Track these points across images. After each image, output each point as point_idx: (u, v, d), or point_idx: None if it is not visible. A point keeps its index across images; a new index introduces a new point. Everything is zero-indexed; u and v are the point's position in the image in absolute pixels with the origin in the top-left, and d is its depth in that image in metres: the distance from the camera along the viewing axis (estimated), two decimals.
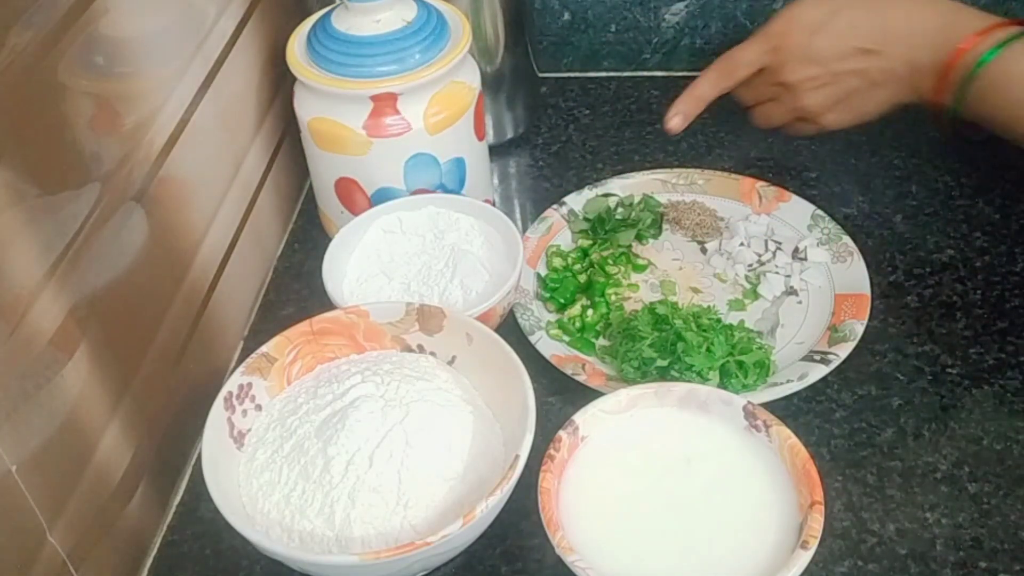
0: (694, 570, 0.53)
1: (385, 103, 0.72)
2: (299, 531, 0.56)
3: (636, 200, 0.82)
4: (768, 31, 0.78)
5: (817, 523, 0.52)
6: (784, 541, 0.53)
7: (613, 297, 0.75)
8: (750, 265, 0.77)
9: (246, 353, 0.67)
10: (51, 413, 0.53)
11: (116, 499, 0.60)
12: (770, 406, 0.61)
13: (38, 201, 0.52)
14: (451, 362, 0.65)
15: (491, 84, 0.86)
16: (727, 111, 0.93)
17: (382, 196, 0.76)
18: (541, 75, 0.94)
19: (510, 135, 0.91)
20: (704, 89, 0.81)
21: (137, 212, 0.61)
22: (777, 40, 0.77)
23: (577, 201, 0.82)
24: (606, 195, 0.83)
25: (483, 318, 0.66)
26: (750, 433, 0.58)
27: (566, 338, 0.72)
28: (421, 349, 0.66)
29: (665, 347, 0.67)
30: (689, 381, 0.64)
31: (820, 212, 0.79)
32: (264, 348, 0.64)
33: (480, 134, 0.78)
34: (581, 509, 0.56)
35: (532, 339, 0.71)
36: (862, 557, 0.59)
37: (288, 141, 0.85)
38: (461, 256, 0.71)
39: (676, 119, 0.81)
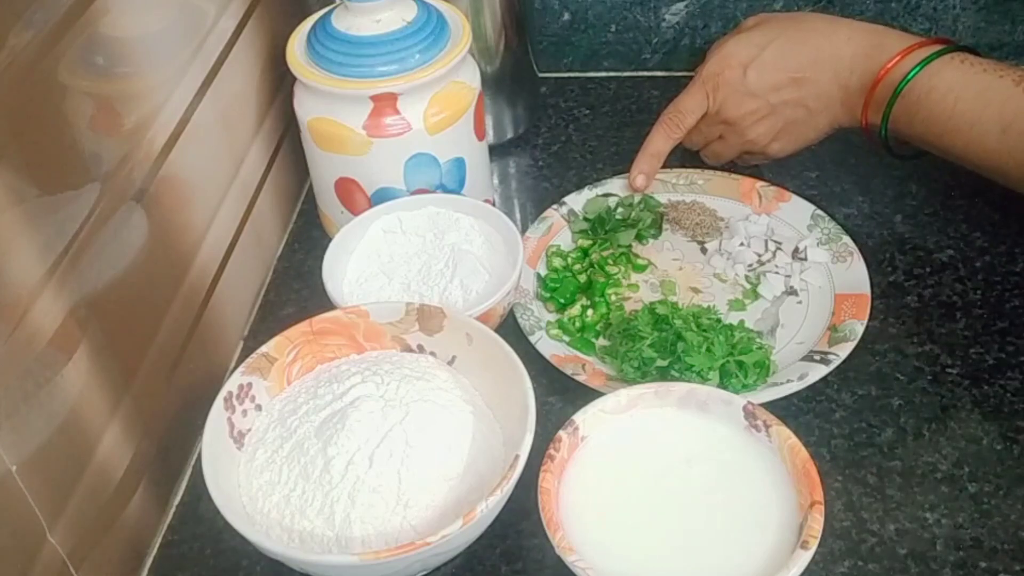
0: (694, 570, 0.53)
1: (385, 103, 0.72)
2: (299, 531, 0.56)
3: (636, 200, 0.82)
4: (704, 75, 0.80)
5: (817, 523, 0.52)
6: (784, 541, 0.53)
7: (613, 297, 0.75)
8: (750, 265, 0.77)
9: (246, 353, 0.67)
10: (51, 413, 0.53)
11: (116, 499, 0.60)
12: (770, 406, 0.61)
13: (38, 201, 0.52)
14: (451, 362, 0.65)
15: (491, 84, 0.86)
16: None
17: (382, 196, 0.76)
18: (541, 75, 0.94)
19: (510, 135, 0.91)
20: (657, 145, 0.82)
21: (137, 212, 0.61)
22: (713, 81, 0.80)
23: (577, 201, 0.82)
24: (606, 195, 0.83)
25: (483, 318, 0.66)
26: (750, 433, 0.58)
27: (566, 338, 0.72)
28: (421, 349, 0.66)
29: (665, 347, 0.67)
30: (689, 381, 0.64)
31: (820, 212, 0.79)
32: (264, 348, 0.64)
33: (480, 134, 0.78)
34: (581, 509, 0.56)
35: (532, 339, 0.71)
36: (862, 557, 0.59)
37: (288, 141, 0.85)
38: (461, 256, 0.71)
39: (639, 179, 0.82)
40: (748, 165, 0.85)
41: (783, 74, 0.78)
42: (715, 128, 0.82)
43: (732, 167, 0.85)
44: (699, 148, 0.85)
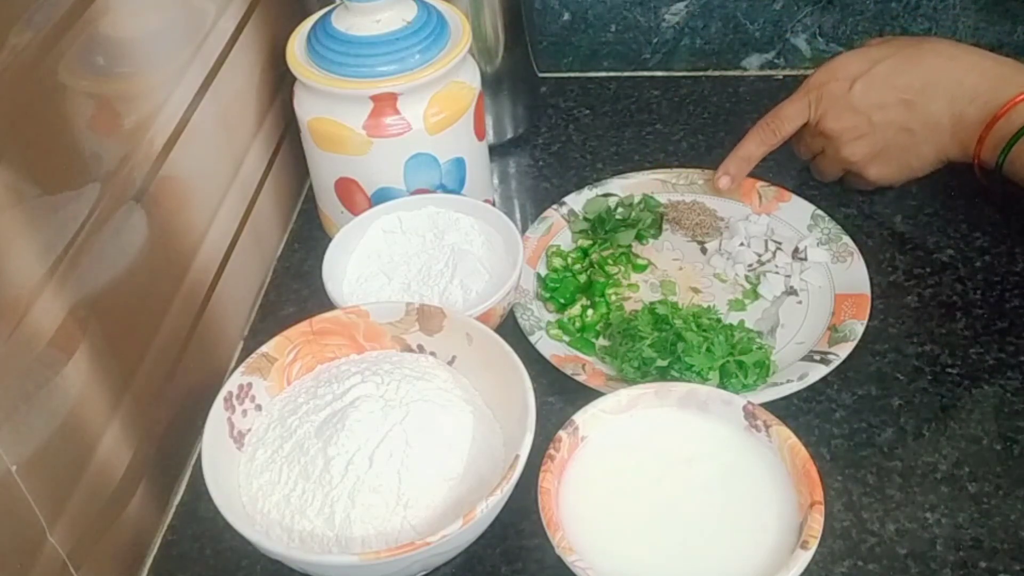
0: (694, 570, 0.53)
1: (385, 103, 0.72)
2: (299, 531, 0.56)
3: (636, 200, 0.82)
4: (809, 84, 0.77)
5: (817, 523, 0.52)
6: (784, 541, 0.53)
7: (613, 297, 0.75)
8: (750, 265, 0.77)
9: (246, 353, 0.67)
10: (51, 413, 0.53)
11: (116, 499, 0.60)
12: (770, 406, 0.61)
13: (38, 201, 0.52)
14: (451, 362, 0.65)
15: (491, 84, 0.86)
16: (726, 111, 0.93)
17: (382, 196, 0.76)
18: (541, 75, 0.94)
19: (510, 135, 0.91)
20: (750, 149, 0.79)
21: (137, 212, 0.61)
22: (818, 91, 0.76)
23: (577, 201, 0.82)
24: (606, 195, 0.83)
25: (483, 318, 0.66)
26: (750, 433, 0.58)
27: (566, 338, 0.72)
28: (421, 349, 0.66)
29: (665, 347, 0.67)
30: (689, 381, 0.64)
31: (820, 212, 0.79)
32: (264, 348, 0.64)
33: (480, 134, 0.78)
34: (581, 509, 0.56)
35: (532, 339, 0.71)
36: (862, 557, 0.59)
37: (288, 141, 0.85)
38: (461, 256, 0.71)
39: (724, 179, 0.80)
40: (853, 188, 0.81)
41: (891, 93, 0.74)
42: (816, 141, 0.79)
43: None
44: (804, 159, 0.83)
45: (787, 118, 0.78)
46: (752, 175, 0.83)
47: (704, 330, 0.67)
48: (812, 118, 0.77)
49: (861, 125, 0.75)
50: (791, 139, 0.80)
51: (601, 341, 0.73)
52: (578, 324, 0.73)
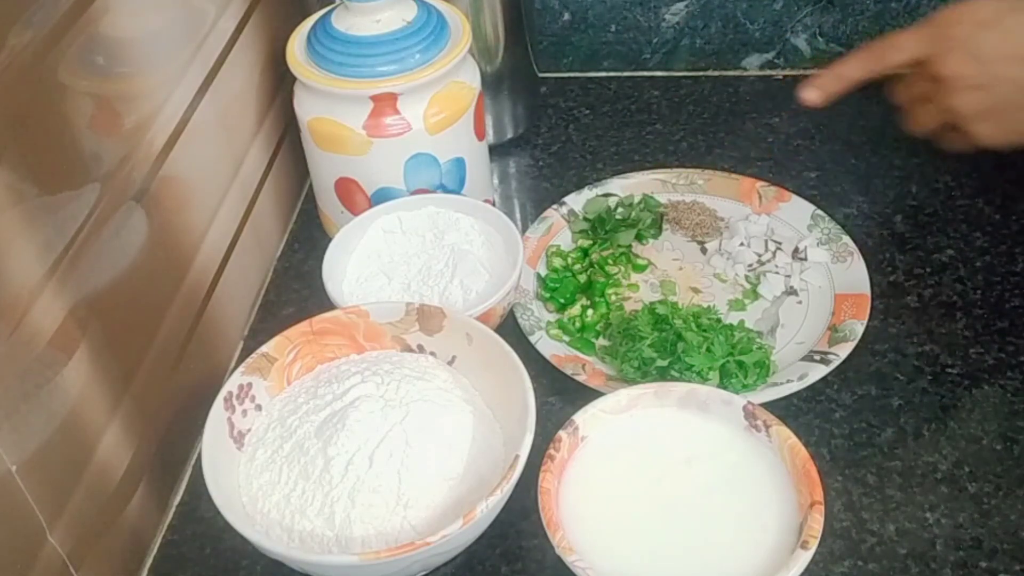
0: (694, 570, 0.53)
1: (385, 103, 0.72)
2: (299, 531, 0.56)
3: (636, 200, 0.82)
4: (933, 19, 0.71)
5: (817, 523, 0.52)
6: (784, 541, 0.53)
7: (613, 297, 0.75)
8: (750, 265, 0.77)
9: (246, 353, 0.67)
10: (51, 413, 0.53)
11: (116, 499, 0.60)
12: (770, 406, 0.61)
13: (38, 201, 0.52)
14: (451, 362, 0.65)
15: (491, 84, 0.86)
16: (726, 111, 0.93)
17: (382, 196, 0.76)
18: (541, 75, 0.94)
19: (510, 135, 0.91)
20: (850, 69, 0.74)
21: (137, 212, 0.61)
22: (940, 29, 0.70)
23: (577, 201, 0.82)
24: (606, 195, 0.83)
25: (483, 318, 0.66)
26: (750, 433, 0.58)
27: (566, 338, 0.72)
28: (421, 349, 0.66)
29: (665, 347, 0.67)
30: (689, 381, 0.64)
31: (820, 212, 0.79)
32: (264, 348, 0.64)
33: (480, 134, 0.78)
34: (581, 509, 0.56)
35: (532, 339, 0.71)
36: (862, 557, 0.59)
37: (288, 141, 0.85)
38: (461, 256, 0.71)
39: (812, 92, 0.75)
40: (948, 148, 0.75)
41: (1015, 47, 0.68)
42: (922, 84, 0.72)
43: (732, 166, 0.85)
44: (901, 102, 0.75)
45: (899, 47, 0.72)
46: (752, 175, 0.83)
47: (704, 330, 0.67)
48: (927, 54, 0.71)
49: (978, 75, 0.69)
50: (889, 78, 0.74)
51: (601, 341, 0.73)
52: (578, 324, 0.73)
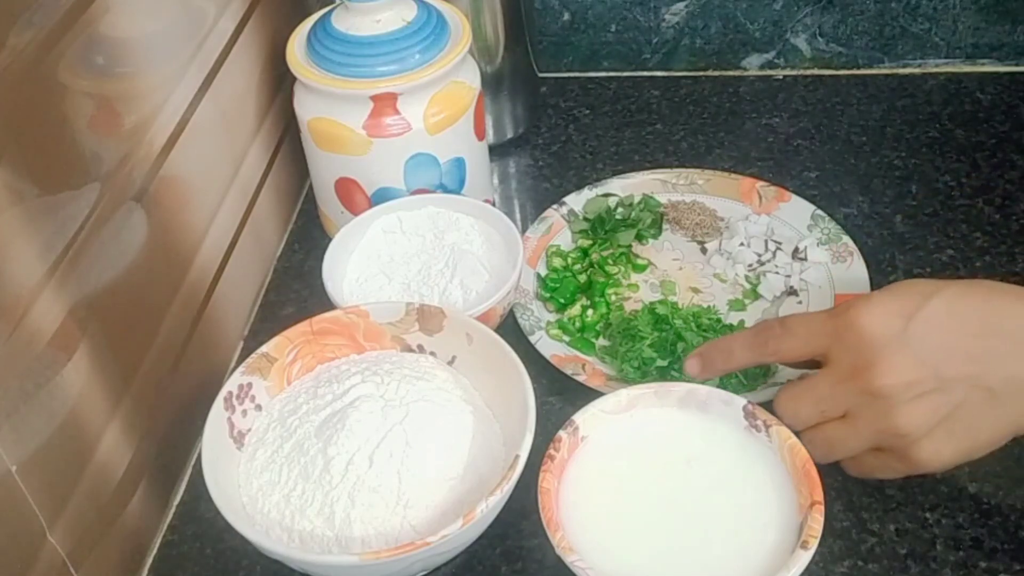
0: (694, 570, 0.53)
1: (385, 103, 0.72)
2: (299, 531, 0.56)
3: (636, 200, 0.82)
4: (838, 311, 0.57)
5: (817, 523, 0.52)
6: (784, 541, 0.53)
7: (613, 297, 0.75)
8: (750, 265, 0.77)
9: (246, 353, 0.67)
10: (51, 413, 0.53)
11: (116, 499, 0.60)
12: (770, 406, 0.61)
13: (38, 201, 0.51)
14: (451, 362, 0.65)
15: (491, 84, 0.86)
16: (726, 111, 0.93)
17: (382, 196, 0.76)
18: (541, 75, 0.94)
19: (510, 135, 0.91)
20: (732, 348, 0.61)
21: (137, 212, 0.61)
22: (855, 327, 0.55)
23: (577, 201, 0.82)
24: (606, 195, 0.83)
25: (483, 318, 0.66)
26: (750, 433, 0.58)
27: (566, 338, 0.72)
28: (421, 349, 0.66)
29: (665, 347, 0.67)
30: (689, 381, 0.64)
31: (820, 212, 0.79)
32: (264, 348, 0.64)
33: (480, 134, 0.78)
34: (581, 509, 0.56)
35: (532, 339, 0.71)
36: (862, 557, 0.59)
37: (288, 141, 0.85)
38: (461, 256, 0.71)
39: (692, 362, 0.62)
40: (868, 477, 0.60)
41: (958, 337, 0.54)
42: (843, 395, 0.56)
43: (732, 166, 0.85)
44: (809, 423, 0.58)
45: (796, 334, 0.58)
46: (752, 175, 0.83)
47: (704, 330, 0.67)
48: (843, 358, 0.56)
49: (927, 380, 0.54)
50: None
51: (601, 341, 0.73)
52: (578, 324, 0.73)
